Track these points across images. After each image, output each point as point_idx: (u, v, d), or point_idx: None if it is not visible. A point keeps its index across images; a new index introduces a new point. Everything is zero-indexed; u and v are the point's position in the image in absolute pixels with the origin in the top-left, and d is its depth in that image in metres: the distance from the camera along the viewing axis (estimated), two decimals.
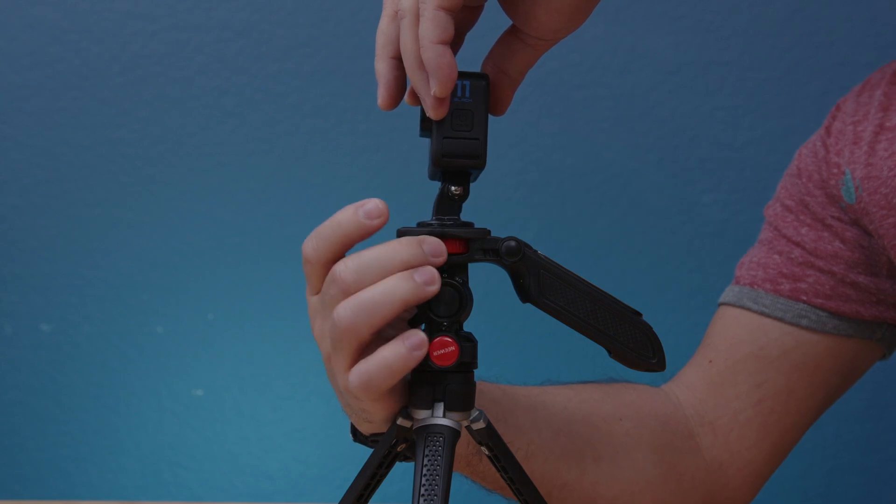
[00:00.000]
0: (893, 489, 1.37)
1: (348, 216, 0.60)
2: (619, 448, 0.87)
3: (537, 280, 0.63)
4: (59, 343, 1.35)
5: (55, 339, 1.35)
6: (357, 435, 0.71)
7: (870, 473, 1.37)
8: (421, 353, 0.59)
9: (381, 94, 0.63)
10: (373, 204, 0.60)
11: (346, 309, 0.59)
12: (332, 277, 0.61)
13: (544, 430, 0.82)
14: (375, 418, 0.64)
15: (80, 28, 1.35)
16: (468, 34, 0.66)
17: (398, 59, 0.62)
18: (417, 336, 0.59)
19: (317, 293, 0.63)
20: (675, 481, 0.89)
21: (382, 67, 0.63)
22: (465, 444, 0.75)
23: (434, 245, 0.60)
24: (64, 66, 1.35)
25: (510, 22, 0.64)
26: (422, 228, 0.62)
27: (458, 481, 0.65)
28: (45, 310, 1.35)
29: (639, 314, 0.64)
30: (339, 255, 0.61)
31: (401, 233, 0.62)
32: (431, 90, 0.59)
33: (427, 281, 0.59)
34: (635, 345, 0.64)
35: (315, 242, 0.61)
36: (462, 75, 0.61)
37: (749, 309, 0.92)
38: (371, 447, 0.66)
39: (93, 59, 1.35)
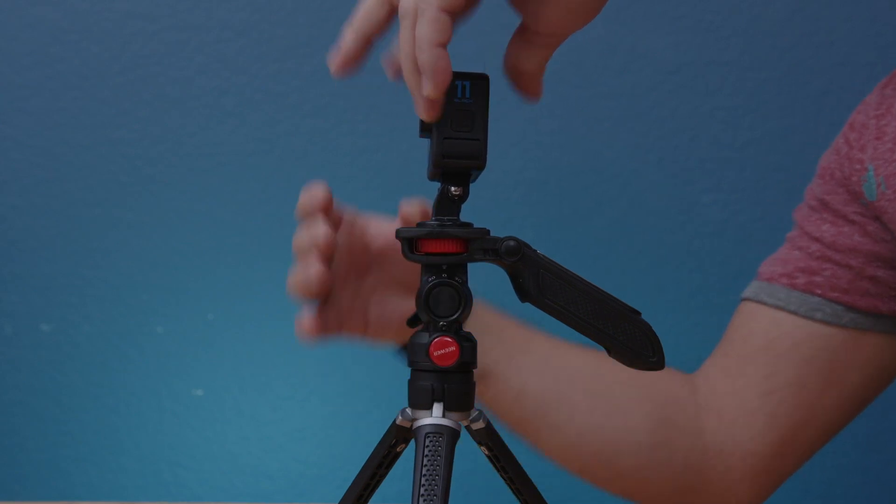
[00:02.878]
0: (894, 490, 1.37)
1: None
2: (617, 407, 0.89)
3: (537, 280, 0.63)
4: (59, 343, 1.35)
5: (55, 339, 1.35)
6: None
7: (870, 474, 1.37)
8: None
9: (337, 63, 0.63)
10: None
11: None
12: None
13: (547, 376, 0.86)
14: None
15: (80, 28, 1.34)
16: (464, 31, 0.65)
17: (369, 40, 0.62)
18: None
19: None
20: (667, 455, 0.90)
21: (350, 39, 0.63)
22: None
23: None
24: (64, 66, 1.35)
25: (514, 20, 0.64)
26: (421, 229, 0.62)
27: (457, 482, 0.65)
28: (45, 310, 1.35)
29: (638, 313, 0.64)
30: None
31: (400, 234, 0.62)
32: (424, 91, 0.58)
33: None
34: (635, 344, 0.64)
35: None
36: (463, 76, 0.61)
37: (764, 303, 0.92)
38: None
39: (93, 59, 1.35)
